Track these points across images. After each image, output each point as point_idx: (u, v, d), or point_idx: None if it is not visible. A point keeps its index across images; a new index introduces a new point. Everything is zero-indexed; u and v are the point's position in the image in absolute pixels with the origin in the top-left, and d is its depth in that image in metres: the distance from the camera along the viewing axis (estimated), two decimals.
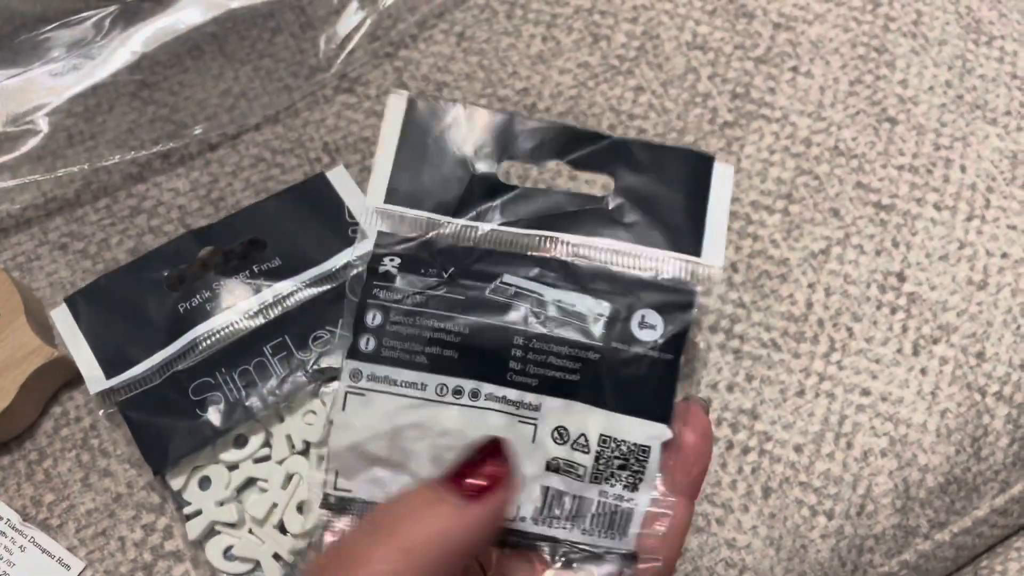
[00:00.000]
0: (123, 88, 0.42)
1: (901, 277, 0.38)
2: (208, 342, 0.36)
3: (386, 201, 0.28)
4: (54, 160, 0.40)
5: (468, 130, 0.29)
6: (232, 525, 0.35)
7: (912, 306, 0.38)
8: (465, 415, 0.27)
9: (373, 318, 0.27)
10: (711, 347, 0.38)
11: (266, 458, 0.35)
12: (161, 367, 0.36)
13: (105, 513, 0.36)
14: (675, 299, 0.28)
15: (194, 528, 0.34)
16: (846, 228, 0.39)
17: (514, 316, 0.27)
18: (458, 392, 0.27)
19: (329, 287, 0.37)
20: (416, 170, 0.29)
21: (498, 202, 0.28)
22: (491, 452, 0.26)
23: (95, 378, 0.36)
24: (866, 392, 0.37)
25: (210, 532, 0.35)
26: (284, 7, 0.43)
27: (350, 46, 0.42)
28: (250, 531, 0.35)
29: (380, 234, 0.28)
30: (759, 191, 0.40)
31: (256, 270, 0.38)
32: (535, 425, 0.27)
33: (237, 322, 0.37)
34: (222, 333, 0.36)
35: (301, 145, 0.42)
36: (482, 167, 0.29)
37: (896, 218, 0.39)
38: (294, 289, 0.37)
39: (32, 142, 0.40)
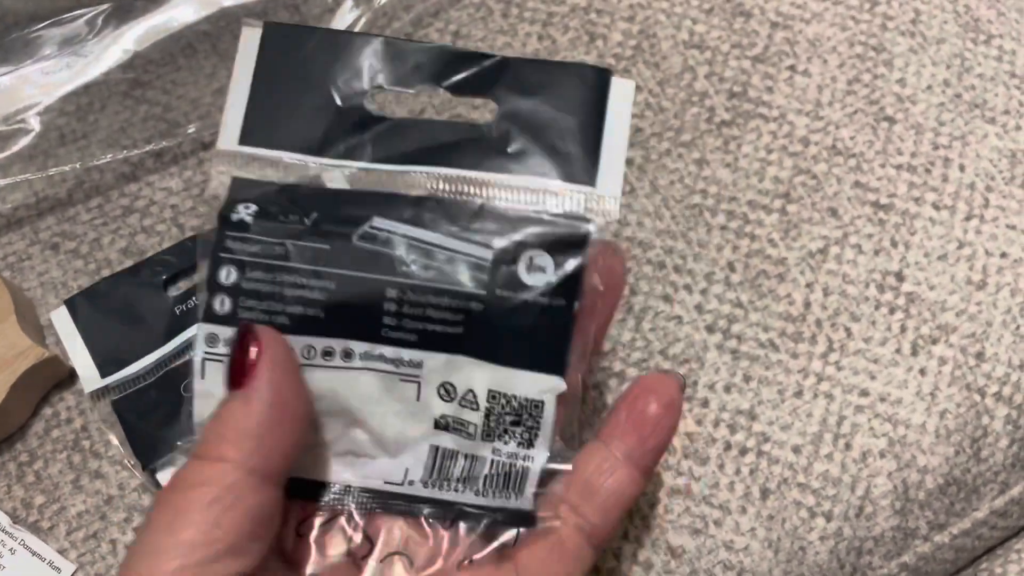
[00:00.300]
0: (115, 87, 0.41)
1: (900, 277, 0.38)
2: None
3: (241, 143, 0.25)
4: (46, 159, 0.40)
5: (331, 57, 0.25)
6: None
7: (911, 306, 0.38)
8: (337, 378, 0.24)
9: (227, 275, 0.24)
10: (708, 347, 0.37)
11: None
12: (155, 366, 0.36)
13: (96, 515, 0.35)
14: (566, 237, 0.25)
15: None
16: (844, 228, 0.39)
17: (386, 265, 0.24)
18: (328, 354, 0.24)
19: None
20: (274, 106, 0.25)
21: (367, 136, 0.25)
22: (242, 337, 0.23)
23: (90, 377, 0.36)
24: (865, 393, 0.36)
25: None
26: (278, 5, 0.43)
27: None
28: None
29: (235, 180, 0.25)
30: (756, 190, 0.40)
31: None
32: (418, 383, 0.25)
33: None
34: None
35: None
36: (349, 98, 0.25)
37: (894, 217, 0.39)
38: None
39: (23, 141, 0.40)
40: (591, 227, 0.25)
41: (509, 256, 0.25)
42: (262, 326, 0.24)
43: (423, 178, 0.25)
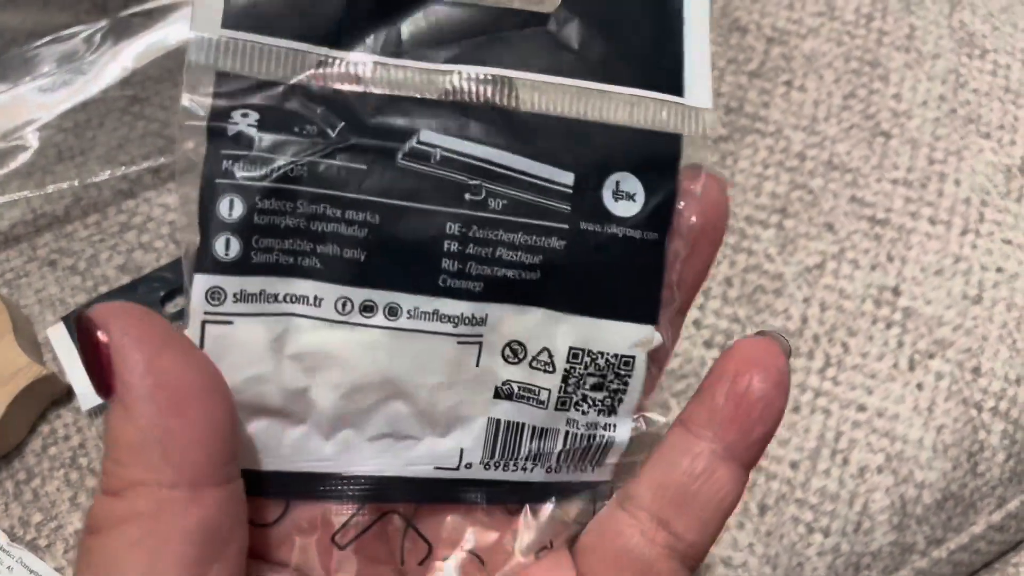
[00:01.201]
0: (113, 103, 0.41)
1: (896, 292, 0.38)
2: None
3: (224, 26, 0.18)
4: (44, 176, 0.40)
5: None
6: None
7: (907, 321, 0.38)
8: (380, 341, 0.19)
9: (230, 207, 0.18)
10: (706, 362, 0.37)
11: None
12: None
13: None
14: (657, 156, 0.20)
15: None
16: (841, 243, 0.39)
17: (445, 192, 0.19)
18: (368, 309, 0.19)
19: None
20: None
21: (398, 24, 0.19)
22: (82, 329, 0.18)
23: (88, 394, 0.36)
24: (862, 408, 0.36)
25: None
26: None
27: None
28: None
29: (220, 76, 0.18)
30: (753, 206, 0.40)
31: None
32: (479, 344, 0.20)
33: None
34: None
35: None
36: None
37: (891, 232, 0.39)
38: None
39: (21, 158, 0.40)
40: (683, 141, 0.21)
41: (592, 181, 0.20)
42: (98, 303, 0.18)
43: (474, 81, 0.19)
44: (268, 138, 0.18)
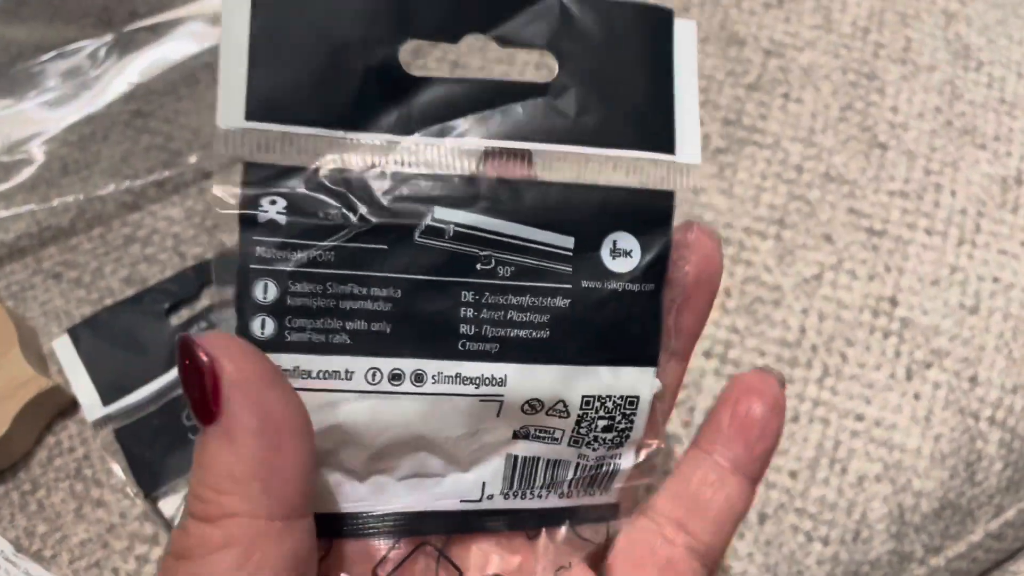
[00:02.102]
0: (118, 117, 0.42)
1: (893, 302, 0.38)
2: None
3: (248, 118, 0.20)
4: (48, 189, 0.40)
5: (352, 1, 0.20)
6: None
7: (904, 331, 0.38)
8: (409, 407, 0.21)
9: (265, 291, 0.20)
10: (705, 372, 0.38)
11: None
12: (157, 395, 0.37)
13: (99, 544, 0.36)
14: (650, 213, 0.22)
15: None
16: (838, 253, 0.39)
17: (458, 265, 0.21)
18: (396, 377, 0.21)
19: None
20: (284, 66, 0.20)
21: (406, 103, 0.21)
22: (188, 355, 0.19)
23: (92, 406, 0.36)
24: (860, 417, 0.37)
25: None
26: None
27: None
28: None
29: (248, 166, 0.20)
30: (751, 217, 0.40)
31: None
32: (500, 401, 0.21)
33: None
34: None
35: None
36: (377, 52, 0.20)
37: (888, 243, 0.39)
38: None
39: (27, 171, 0.40)
40: (674, 198, 0.22)
41: (591, 241, 0.21)
42: (209, 332, 0.19)
43: (480, 155, 0.21)
44: (296, 224, 0.20)
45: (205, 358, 0.19)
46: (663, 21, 0.22)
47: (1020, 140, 0.41)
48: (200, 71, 0.43)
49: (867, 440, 0.36)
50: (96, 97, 0.41)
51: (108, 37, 0.41)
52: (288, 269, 0.20)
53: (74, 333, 0.38)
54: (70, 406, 0.38)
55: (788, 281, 0.39)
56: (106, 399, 0.36)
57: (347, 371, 0.20)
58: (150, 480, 0.35)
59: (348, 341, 0.20)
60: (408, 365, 0.21)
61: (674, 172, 0.22)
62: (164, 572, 0.19)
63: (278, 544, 0.19)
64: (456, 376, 0.21)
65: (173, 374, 0.37)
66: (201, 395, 0.19)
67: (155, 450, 0.35)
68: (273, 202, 0.20)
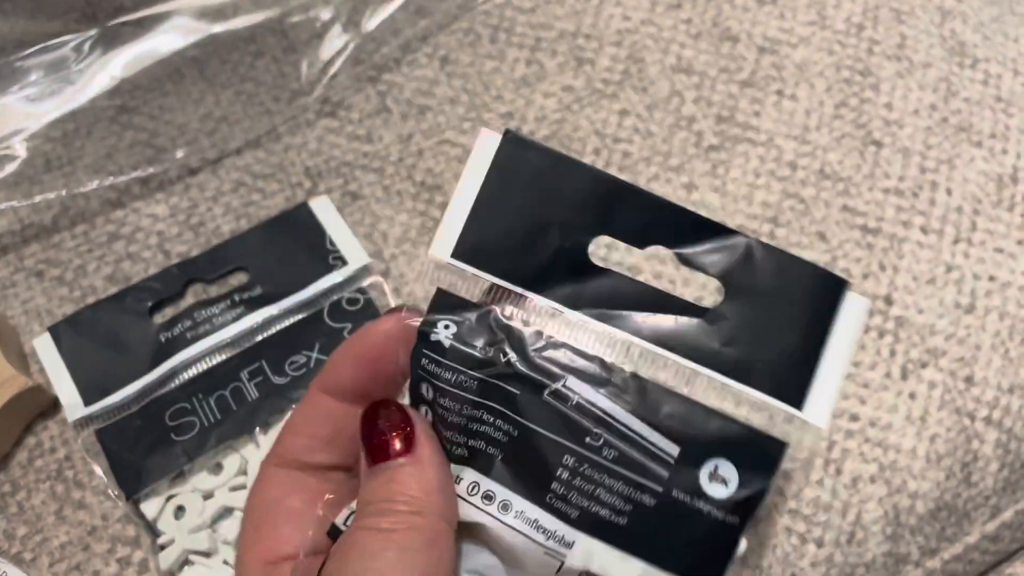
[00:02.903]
0: (102, 113, 0.41)
1: (888, 300, 0.38)
2: (187, 370, 0.36)
3: (452, 256, 0.24)
4: (31, 186, 0.40)
5: (563, 187, 0.24)
6: (206, 554, 0.34)
7: (900, 330, 0.38)
8: (489, 526, 0.23)
9: (426, 391, 0.24)
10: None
11: (242, 486, 0.35)
12: (139, 395, 0.36)
13: (79, 546, 0.35)
14: (759, 455, 0.23)
15: (166, 559, 0.34)
16: (833, 252, 0.39)
17: (570, 430, 0.23)
18: (488, 498, 0.24)
19: (308, 314, 0.38)
20: (494, 225, 0.24)
21: (582, 285, 0.24)
22: (393, 410, 0.24)
23: (74, 406, 0.36)
24: (855, 417, 0.36)
25: (184, 562, 0.34)
26: (266, 31, 0.43)
27: (332, 70, 0.42)
28: (224, 561, 0.34)
29: (439, 292, 0.24)
30: (745, 215, 0.40)
31: (237, 299, 0.38)
32: (561, 562, 0.23)
33: (216, 350, 0.37)
34: (201, 361, 0.37)
35: (282, 170, 0.41)
36: (572, 237, 0.24)
37: (883, 241, 0.39)
38: (273, 316, 0.37)
39: (9, 167, 0.39)
40: (788, 450, 0.23)
41: (694, 458, 0.23)
42: (401, 403, 0.24)
43: (629, 350, 0.24)
44: (457, 350, 0.24)
45: (404, 411, 0.24)
46: (835, 289, 0.24)
47: (1016, 137, 0.41)
48: (186, 66, 0.42)
49: (862, 440, 0.36)
50: (80, 92, 0.40)
51: (92, 31, 0.40)
52: (439, 385, 0.24)
53: (56, 332, 0.37)
54: (51, 406, 0.37)
55: None
56: (88, 399, 0.36)
57: (457, 476, 0.24)
58: (132, 481, 0.34)
59: (465, 454, 0.24)
60: (502, 492, 0.23)
61: (796, 426, 0.23)
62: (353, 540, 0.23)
63: (448, 540, 0.23)
64: (534, 521, 0.23)
65: (156, 374, 0.36)
66: (402, 433, 0.24)
67: (137, 451, 0.35)
68: (447, 326, 0.24)
